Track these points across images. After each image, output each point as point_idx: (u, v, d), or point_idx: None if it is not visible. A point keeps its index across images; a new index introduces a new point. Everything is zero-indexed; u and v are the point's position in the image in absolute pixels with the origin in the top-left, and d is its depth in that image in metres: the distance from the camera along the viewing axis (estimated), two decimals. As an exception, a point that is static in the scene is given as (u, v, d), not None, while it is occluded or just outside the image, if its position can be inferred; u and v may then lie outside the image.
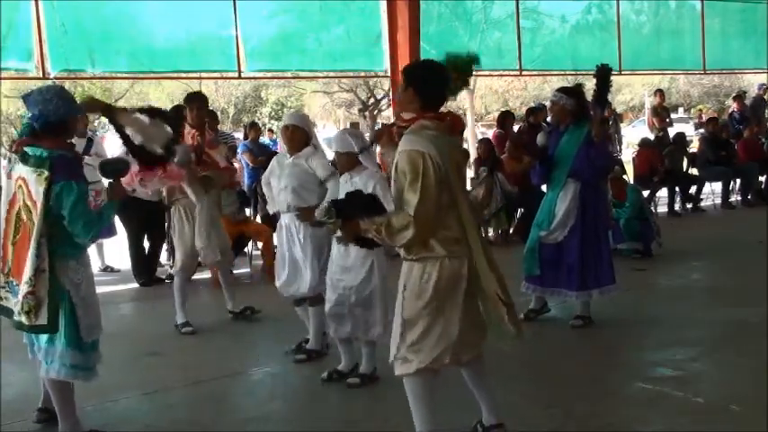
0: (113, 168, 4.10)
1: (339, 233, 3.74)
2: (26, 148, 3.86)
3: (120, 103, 29.64)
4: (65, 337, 3.89)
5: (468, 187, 10.22)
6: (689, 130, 19.94)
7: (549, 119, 9.40)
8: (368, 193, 3.91)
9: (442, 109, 3.63)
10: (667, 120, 13.72)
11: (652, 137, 13.10)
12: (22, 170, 3.84)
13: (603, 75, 5.90)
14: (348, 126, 19.73)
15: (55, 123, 3.83)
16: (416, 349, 3.46)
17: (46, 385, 4.09)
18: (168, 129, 5.10)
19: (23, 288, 3.77)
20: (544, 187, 6.37)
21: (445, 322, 3.46)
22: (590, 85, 6.17)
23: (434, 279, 3.44)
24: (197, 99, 6.49)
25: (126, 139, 4.88)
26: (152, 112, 5.08)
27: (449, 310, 3.47)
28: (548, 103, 7.95)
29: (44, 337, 3.93)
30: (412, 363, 3.47)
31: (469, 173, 11.76)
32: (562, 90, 5.97)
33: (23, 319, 3.80)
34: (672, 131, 13.36)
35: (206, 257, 6.41)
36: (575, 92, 5.91)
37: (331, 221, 3.55)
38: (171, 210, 6.37)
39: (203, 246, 6.20)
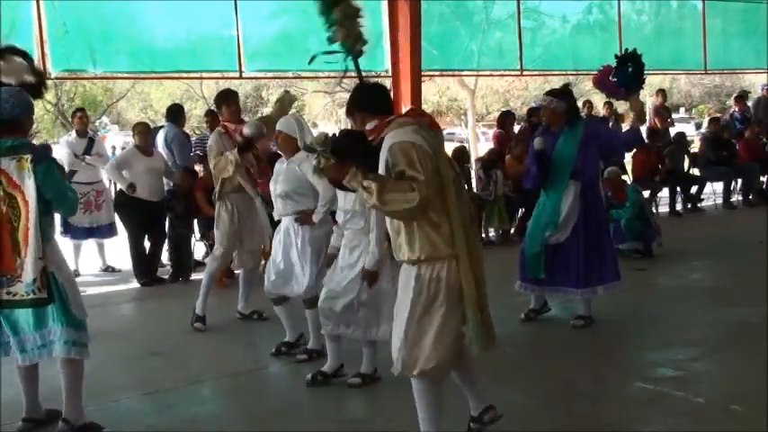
0: None
1: (321, 165, 3.38)
2: None
3: (122, 103, 29.76)
4: (63, 317, 3.97)
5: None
6: (690, 130, 19.90)
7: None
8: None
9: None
10: (668, 120, 13.71)
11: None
12: None
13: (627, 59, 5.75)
14: (349, 126, 19.62)
15: (10, 122, 3.92)
16: (428, 350, 3.35)
17: (60, 367, 4.10)
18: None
19: (39, 264, 3.82)
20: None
21: (451, 325, 3.37)
22: (591, 84, 6.14)
23: (444, 280, 3.34)
24: (232, 96, 6.45)
25: None
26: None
27: (454, 313, 3.38)
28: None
29: (30, 325, 3.99)
30: (418, 363, 3.36)
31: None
32: (551, 93, 5.94)
33: (39, 294, 3.85)
34: (673, 131, 13.35)
35: (241, 261, 6.53)
36: (564, 93, 5.90)
37: (325, 155, 3.29)
38: (218, 203, 6.34)
39: (266, 244, 6.25)
